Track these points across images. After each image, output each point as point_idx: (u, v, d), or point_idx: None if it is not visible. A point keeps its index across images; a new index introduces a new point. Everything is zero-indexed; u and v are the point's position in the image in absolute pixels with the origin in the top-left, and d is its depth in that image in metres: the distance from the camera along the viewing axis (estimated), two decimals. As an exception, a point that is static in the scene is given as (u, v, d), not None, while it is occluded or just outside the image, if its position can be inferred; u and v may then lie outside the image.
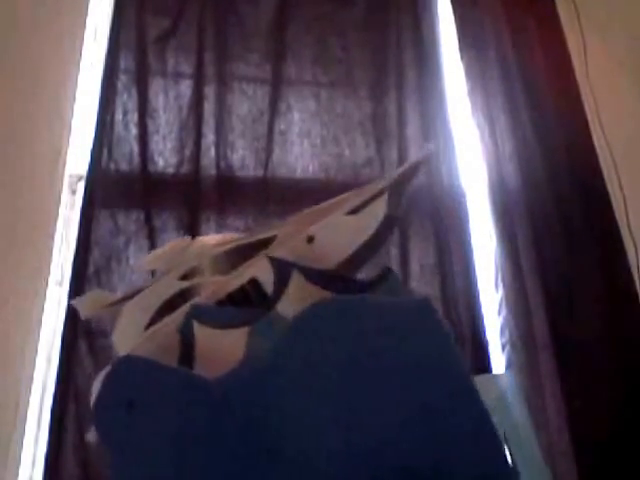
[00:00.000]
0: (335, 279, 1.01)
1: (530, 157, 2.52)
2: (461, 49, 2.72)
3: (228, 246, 1.14)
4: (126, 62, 2.60)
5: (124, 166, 2.46)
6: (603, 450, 2.06)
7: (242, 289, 1.10)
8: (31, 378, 2.16)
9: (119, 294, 1.19)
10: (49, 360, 2.22)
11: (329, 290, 1.03)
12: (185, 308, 1.08)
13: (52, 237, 2.32)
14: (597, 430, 2.09)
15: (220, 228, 2.38)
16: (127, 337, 1.12)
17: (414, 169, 1.18)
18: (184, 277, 1.14)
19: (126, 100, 2.55)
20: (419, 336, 0.86)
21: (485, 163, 2.55)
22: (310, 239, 1.03)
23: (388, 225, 1.08)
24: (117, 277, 2.32)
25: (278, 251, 1.10)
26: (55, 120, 2.44)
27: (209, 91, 2.60)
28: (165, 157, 2.50)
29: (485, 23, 2.72)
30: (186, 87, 2.60)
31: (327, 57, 2.69)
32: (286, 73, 2.66)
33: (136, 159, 2.47)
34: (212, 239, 1.23)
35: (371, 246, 1.07)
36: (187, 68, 2.63)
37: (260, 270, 1.10)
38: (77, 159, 2.47)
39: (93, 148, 2.44)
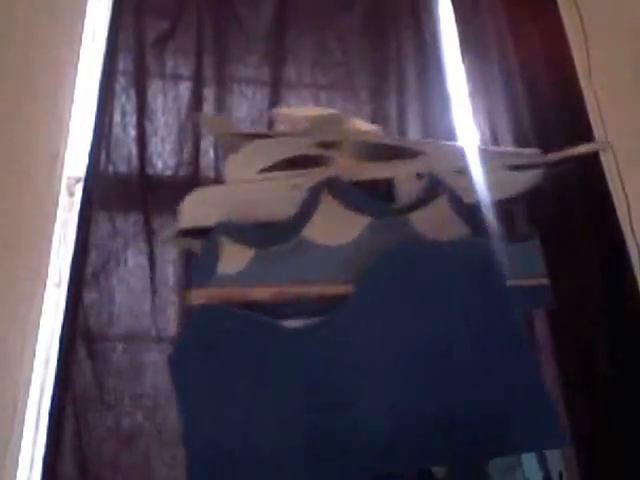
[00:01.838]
0: (476, 215, 1.05)
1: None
2: (462, 51, 2.72)
3: (377, 139, 1.17)
4: (124, 64, 2.60)
5: (122, 168, 2.46)
6: (604, 450, 2.05)
7: (373, 182, 1.10)
8: (29, 380, 2.15)
9: (245, 130, 1.18)
10: (47, 362, 2.21)
11: (468, 224, 1.11)
12: (318, 174, 1.10)
13: (50, 239, 2.31)
14: (598, 431, 2.08)
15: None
16: (239, 171, 1.14)
17: (574, 158, 1.21)
18: (322, 145, 1.12)
19: (124, 102, 2.54)
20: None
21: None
22: (460, 172, 1.07)
23: (533, 194, 1.12)
24: (115, 279, 2.32)
25: (430, 167, 1.10)
26: (53, 122, 2.43)
27: (208, 93, 2.59)
28: (164, 159, 2.49)
29: (486, 25, 2.72)
30: (185, 89, 2.60)
31: (327, 60, 2.68)
32: (286, 76, 2.65)
33: (134, 161, 2.46)
34: (365, 125, 1.25)
35: (515, 201, 1.12)
36: (186, 70, 2.63)
37: (401, 176, 1.11)
38: (75, 161, 2.46)
39: (91, 150, 2.43)
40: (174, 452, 2.14)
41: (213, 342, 0.94)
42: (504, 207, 1.11)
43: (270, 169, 1.12)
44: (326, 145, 1.15)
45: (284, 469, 0.84)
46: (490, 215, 1.08)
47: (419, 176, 1.13)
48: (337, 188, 1.06)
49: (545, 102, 2.56)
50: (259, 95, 2.62)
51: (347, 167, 1.11)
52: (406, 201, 1.15)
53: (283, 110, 1.24)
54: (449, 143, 1.20)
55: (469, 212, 1.07)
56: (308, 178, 1.08)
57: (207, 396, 0.93)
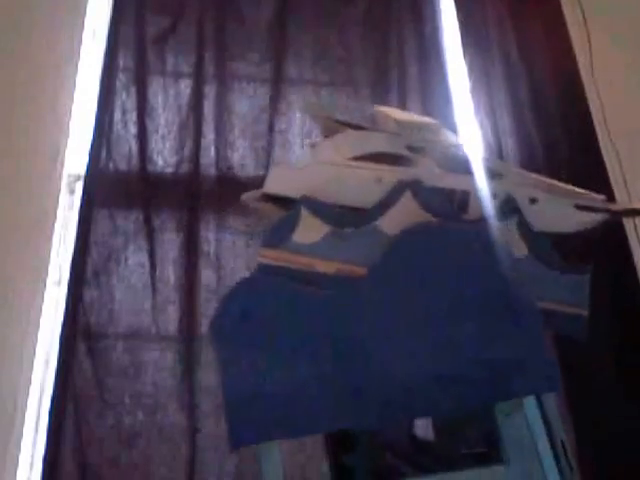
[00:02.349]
0: (539, 242, 1.16)
1: (533, 155, 2.49)
2: (464, 47, 2.69)
3: (461, 153, 1.28)
4: (125, 61, 2.59)
5: (123, 166, 2.45)
6: (607, 452, 2.05)
7: (450, 192, 1.25)
8: (29, 380, 2.15)
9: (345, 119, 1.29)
10: (47, 362, 2.21)
11: (530, 250, 1.20)
12: (402, 172, 1.20)
13: (50, 237, 2.30)
14: (602, 433, 2.07)
15: (220, 228, 2.37)
16: (330, 154, 1.23)
17: (623, 215, 1.29)
18: (412, 149, 1.25)
19: (125, 99, 2.53)
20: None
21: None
22: (533, 200, 1.16)
23: (590, 239, 1.25)
24: (116, 278, 2.31)
25: (507, 189, 1.25)
26: (53, 119, 2.42)
27: (209, 90, 2.58)
28: (164, 157, 2.49)
29: (489, 20, 2.70)
30: (186, 86, 2.59)
31: (328, 56, 2.67)
32: (286, 72, 2.64)
33: (135, 158, 2.45)
34: (453, 138, 1.36)
35: (571, 240, 1.22)
36: (187, 67, 2.62)
37: (478, 192, 1.26)
38: (75, 159, 2.45)
39: (92, 147, 2.42)
40: (175, 450, 2.14)
41: (251, 307, 1.06)
42: (564, 240, 1.19)
43: (358, 159, 1.22)
44: (413, 148, 1.22)
45: (313, 410, 0.98)
46: (550, 244, 1.18)
47: (494, 195, 1.22)
48: (418, 189, 1.20)
49: (547, 98, 2.55)
50: (260, 92, 2.61)
51: (429, 172, 1.20)
52: (477, 216, 1.26)
53: (383, 108, 1.34)
54: (525, 172, 1.33)
55: (534, 238, 1.17)
56: (392, 174, 1.20)
57: (244, 354, 1.05)
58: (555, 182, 1.33)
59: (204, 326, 2.24)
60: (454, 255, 1.07)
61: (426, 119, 1.41)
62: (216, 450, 2.14)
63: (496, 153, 2.51)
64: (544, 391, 0.92)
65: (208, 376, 2.17)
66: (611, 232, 2.31)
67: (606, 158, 2.46)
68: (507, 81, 2.60)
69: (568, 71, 2.56)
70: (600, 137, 2.45)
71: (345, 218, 1.16)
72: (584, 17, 2.55)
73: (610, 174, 2.40)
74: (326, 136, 1.32)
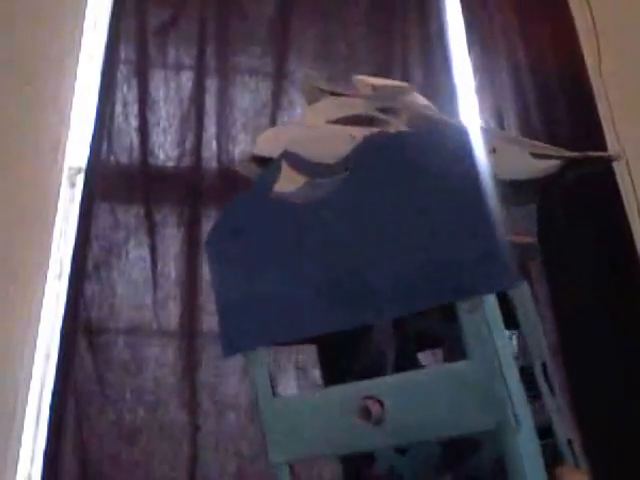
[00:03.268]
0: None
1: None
2: (469, 46, 2.66)
3: (428, 113, 1.31)
4: (126, 53, 2.57)
5: (124, 159, 2.44)
6: (614, 453, 2.05)
7: None
8: (30, 374, 2.15)
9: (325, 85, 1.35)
10: (48, 356, 2.20)
11: None
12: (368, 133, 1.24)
13: (51, 231, 2.29)
14: (608, 434, 2.08)
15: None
16: (311, 119, 1.32)
17: (592, 161, 1.30)
18: (383, 110, 1.29)
19: (126, 92, 2.51)
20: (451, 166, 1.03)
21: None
22: (493, 150, 1.18)
23: (542, 184, 1.23)
24: (117, 272, 2.31)
25: None
26: (54, 112, 2.40)
27: (210, 83, 2.56)
28: (165, 150, 2.47)
29: (494, 17, 2.68)
30: (187, 79, 2.57)
31: (330, 51, 2.65)
32: (288, 67, 2.62)
33: (136, 152, 2.44)
34: (423, 101, 1.39)
35: (528, 188, 1.23)
36: (188, 60, 2.59)
37: None
38: (76, 151, 2.44)
39: (92, 140, 2.41)
40: (176, 448, 2.14)
41: (240, 224, 1.15)
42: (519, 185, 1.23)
43: (335, 122, 1.29)
44: (385, 110, 1.30)
45: (302, 314, 1.05)
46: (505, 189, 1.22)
47: None
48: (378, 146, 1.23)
49: (554, 97, 2.53)
50: (262, 86, 2.60)
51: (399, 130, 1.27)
52: None
53: (362, 77, 1.40)
54: (489, 127, 1.38)
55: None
56: (363, 133, 1.24)
57: (235, 267, 1.13)
58: (515, 135, 1.34)
59: (205, 322, 2.23)
60: (413, 159, 1.11)
61: (399, 83, 1.45)
62: (217, 447, 2.14)
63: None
64: (498, 289, 0.94)
65: (209, 373, 2.18)
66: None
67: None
68: (513, 81, 2.58)
69: (575, 71, 2.54)
70: (608, 139, 2.44)
71: (318, 170, 1.21)
72: (592, 15, 2.54)
73: (617, 175, 2.39)
74: (310, 104, 1.38)
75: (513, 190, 1.22)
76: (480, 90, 2.60)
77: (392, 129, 1.25)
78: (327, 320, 1.05)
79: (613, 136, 2.41)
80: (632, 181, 2.35)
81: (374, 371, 1.08)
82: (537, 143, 1.28)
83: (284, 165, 1.22)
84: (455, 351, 1.00)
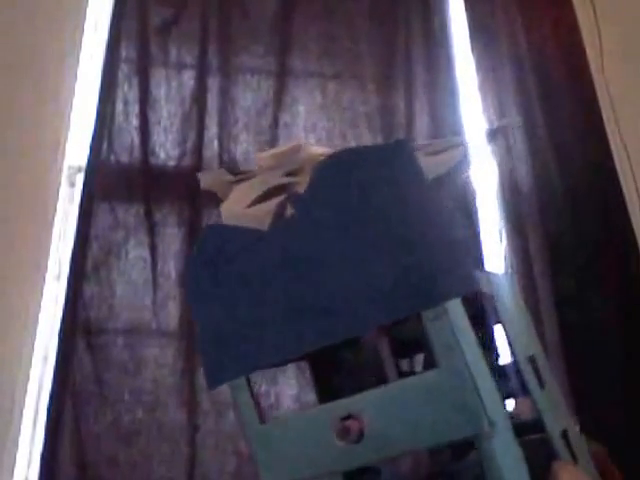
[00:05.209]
0: None
1: (542, 154, 2.46)
2: (472, 42, 2.64)
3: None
4: (127, 52, 2.55)
5: (124, 158, 2.42)
6: (614, 452, 2.02)
7: None
8: (27, 376, 2.13)
9: (235, 176, 1.37)
10: (46, 357, 2.19)
11: None
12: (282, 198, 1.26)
13: (50, 231, 2.28)
14: (610, 433, 2.05)
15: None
16: (231, 211, 1.32)
17: (491, 135, 1.29)
18: (288, 174, 1.31)
19: (127, 90, 2.50)
20: (396, 176, 0.99)
21: (496, 160, 2.49)
22: None
23: (455, 174, 1.24)
24: (116, 272, 2.29)
25: None
26: (54, 111, 2.39)
27: (212, 82, 2.55)
28: (166, 149, 2.46)
29: (497, 14, 2.66)
30: (189, 78, 2.55)
31: (334, 49, 2.63)
32: (291, 65, 2.60)
33: (137, 151, 2.42)
34: (319, 149, 1.41)
35: (440, 183, 1.21)
36: (190, 58, 2.58)
37: None
38: (76, 151, 2.42)
39: (93, 139, 2.39)
40: (174, 448, 2.12)
41: (209, 255, 1.09)
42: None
43: (253, 203, 1.29)
44: (291, 173, 1.33)
45: (278, 335, 0.99)
46: None
47: None
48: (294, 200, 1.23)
49: (556, 94, 2.52)
50: (264, 85, 2.58)
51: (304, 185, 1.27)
52: None
53: (260, 153, 1.44)
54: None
55: None
56: (275, 203, 1.27)
57: (210, 299, 1.06)
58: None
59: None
60: (372, 174, 1.12)
61: (292, 144, 1.47)
62: (217, 448, 2.12)
63: (505, 152, 2.48)
64: (458, 295, 0.91)
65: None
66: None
67: (615, 154, 2.43)
68: (516, 77, 2.55)
69: (578, 68, 2.53)
70: (610, 134, 2.42)
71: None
72: (594, 11, 2.52)
73: (618, 168, 2.37)
74: (224, 200, 1.38)
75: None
76: (483, 87, 2.58)
77: (301, 188, 1.27)
78: (298, 343, 1.06)
79: (615, 133, 2.39)
80: (634, 176, 2.33)
81: (365, 384, 1.08)
82: (436, 141, 1.30)
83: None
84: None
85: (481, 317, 1.03)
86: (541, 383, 1.05)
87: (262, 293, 1.10)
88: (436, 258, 0.99)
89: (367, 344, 1.17)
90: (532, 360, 1.06)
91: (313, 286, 1.06)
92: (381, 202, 1.05)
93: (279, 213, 1.24)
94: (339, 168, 1.13)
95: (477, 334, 1.07)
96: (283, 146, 1.49)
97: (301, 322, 1.05)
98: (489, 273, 1.18)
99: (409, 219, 1.03)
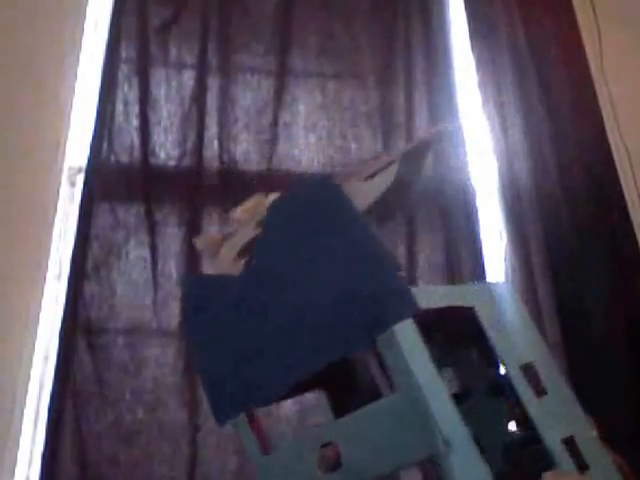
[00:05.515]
0: None
1: (542, 151, 2.46)
2: (472, 39, 2.65)
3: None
4: (127, 52, 2.55)
5: (124, 158, 2.42)
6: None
7: None
8: (28, 376, 2.13)
9: (224, 234, 1.45)
10: (47, 357, 2.19)
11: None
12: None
13: (50, 231, 2.28)
14: (610, 430, 2.04)
15: (223, 222, 2.33)
16: (222, 264, 1.39)
17: (425, 144, 1.31)
18: (258, 225, 1.38)
19: (127, 91, 2.50)
20: (325, 210, 1.10)
21: (496, 158, 2.49)
22: None
23: (400, 189, 1.24)
24: (117, 272, 2.29)
25: None
26: (55, 111, 2.39)
27: (212, 82, 2.55)
28: (167, 149, 2.46)
29: (497, 12, 2.66)
30: (189, 78, 2.55)
31: (333, 48, 2.63)
32: (291, 64, 2.60)
33: (137, 151, 2.43)
34: (273, 195, 1.45)
35: (383, 204, 1.24)
36: (190, 58, 2.58)
37: None
38: (77, 151, 2.42)
39: (93, 139, 2.39)
40: (175, 448, 2.12)
41: (200, 303, 1.22)
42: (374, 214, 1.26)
43: (240, 254, 1.37)
44: (259, 223, 1.40)
45: (270, 376, 1.09)
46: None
47: None
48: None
49: (556, 92, 2.51)
50: (264, 84, 2.58)
51: None
52: None
53: (232, 213, 1.49)
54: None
55: None
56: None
57: (206, 343, 1.20)
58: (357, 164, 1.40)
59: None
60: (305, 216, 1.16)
61: (255, 199, 1.49)
62: (218, 447, 2.12)
63: (504, 150, 2.48)
64: (398, 320, 0.95)
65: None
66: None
67: (615, 153, 2.43)
68: (516, 75, 2.55)
69: (577, 64, 2.53)
70: (610, 133, 2.42)
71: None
72: (594, 9, 2.52)
73: (619, 167, 2.37)
74: (212, 259, 1.45)
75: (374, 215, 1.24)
76: (482, 85, 2.58)
77: None
78: (281, 379, 1.08)
79: (615, 130, 2.39)
80: (633, 174, 2.33)
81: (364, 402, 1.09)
82: (373, 162, 1.31)
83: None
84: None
85: (475, 332, 1.03)
86: (539, 391, 1.04)
87: (236, 336, 1.13)
88: (373, 288, 1.00)
89: (359, 363, 1.17)
90: (529, 367, 1.05)
91: (272, 327, 1.08)
92: (317, 241, 1.07)
93: (248, 261, 1.28)
94: (279, 214, 1.18)
95: (472, 349, 1.07)
96: (249, 202, 1.52)
97: (268, 363, 1.08)
98: (468, 286, 1.19)
99: (343, 254, 1.04)
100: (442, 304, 1.03)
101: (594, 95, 2.48)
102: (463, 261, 2.34)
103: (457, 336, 1.06)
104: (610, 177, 2.39)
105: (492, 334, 1.05)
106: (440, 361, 1.01)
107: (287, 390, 1.10)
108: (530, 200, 2.42)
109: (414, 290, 1.00)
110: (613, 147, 2.42)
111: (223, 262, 1.36)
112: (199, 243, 1.60)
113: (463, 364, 1.04)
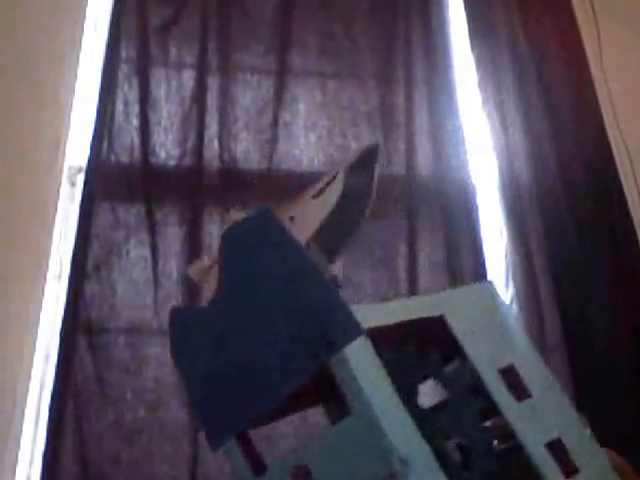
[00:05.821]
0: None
1: (542, 150, 2.46)
2: (471, 38, 2.65)
3: None
4: (127, 51, 2.55)
5: (125, 158, 2.42)
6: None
7: None
8: (29, 375, 2.13)
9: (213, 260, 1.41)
10: (47, 357, 2.19)
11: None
12: None
13: (50, 231, 2.28)
14: (610, 431, 2.04)
15: (223, 222, 2.34)
16: (211, 290, 1.35)
17: (365, 156, 1.31)
18: None
19: (127, 91, 2.50)
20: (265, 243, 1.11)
21: (496, 156, 2.50)
22: (291, 219, 1.24)
23: (350, 201, 1.24)
24: (117, 272, 2.29)
25: None
26: (54, 111, 2.39)
27: (212, 81, 2.55)
28: (167, 149, 2.46)
29: (496, 12, 2.66)
30: (189, 77, 2.55)
31: (333, 47, 2.63)
32: (291, 63, 2.60)
33: (137, 151, 2.43)
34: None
35: (334, 220, 1.24)
36: (190, 58, 2.58)
37: None
38: (77, 151, 2.42)
39: (93, 139, 2.39)
40: (176, 447, 2.12)
41: (185, 331, 1.23)
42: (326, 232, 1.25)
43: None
44: None
45: (255, 397, 1.09)
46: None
47: None
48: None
49: (556, 90, 2.52)
50: (264, 83, 2.58)
51: None
52: None
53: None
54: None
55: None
56: None
57: (187, 374, 1.22)
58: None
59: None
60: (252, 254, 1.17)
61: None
62: (218, 447, 2.11)
63: (505, 149, 2.48)
64: (346, 343, 0.95)
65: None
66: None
67: (615, 150, 2.43)
68: (515, 73, 2.56)
69: (577, 63, 2.53)
70: (609, 130, 2.42)
71: None
72: (593, 8, 2.53)
73: (618, 164, 2.38)
74: (202, 285, 1.44)
75: (327, 236, 1.24)
76: (482, 84, 2.59)
77: None
78: (259, 405, 1.08)
79: (614, 127, 2.39)
80: (633, 172, 2.33)
81: None
82: (320, 180, 1.31)
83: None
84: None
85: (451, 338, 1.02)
86: (520, 394, 1.02)
87: (216, 362, 1.14)
88: (315, 316, 1.00)
89: None
90: (508, 371, 1.04)
91: (235, 358, 1.10)
92: (260, 273, 1.08)
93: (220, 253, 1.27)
94: (226, 251, 1.19)
95: (453, 356, 1.06)
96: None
97: (238, 391, 1.09)
98: (439, 294, 1.18)
99: (285, 285, 1.05)
100: (399, 319, 1.02)
101: (594, 93, 2.48)
102: (464, 259, 2.35)
103: (433, 346, 1.04)
104: (610, 174, 2.39)
105: (465, 340, 1.04)
106: (416, 373, 1.01)
107: (270, 412, 1.11)
108: (530, 198, 2.42)
109: (363, 309, 0.99)
110: (613, 144, 2.42)
111: (211, 288, 1.38)
112: (192, 272, 1.63)
113: (441, 373, 1.03)
